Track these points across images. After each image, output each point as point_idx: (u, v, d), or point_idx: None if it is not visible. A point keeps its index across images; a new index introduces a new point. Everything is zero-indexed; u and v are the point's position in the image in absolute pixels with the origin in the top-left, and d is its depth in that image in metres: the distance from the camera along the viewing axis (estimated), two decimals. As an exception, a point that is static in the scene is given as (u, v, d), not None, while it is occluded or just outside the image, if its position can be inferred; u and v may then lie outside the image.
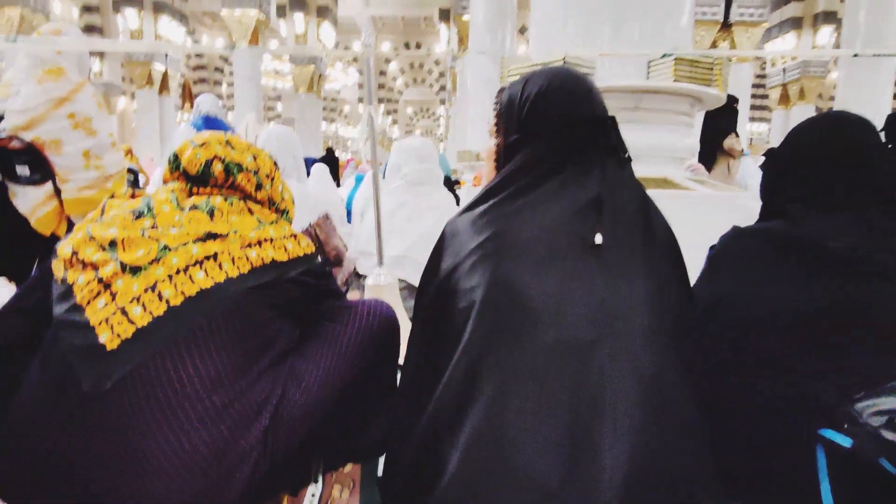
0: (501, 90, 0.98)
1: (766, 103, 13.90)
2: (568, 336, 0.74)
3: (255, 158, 1.02)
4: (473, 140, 7.03)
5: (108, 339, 0.80)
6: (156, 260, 0.84)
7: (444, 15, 11.32)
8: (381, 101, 21.77)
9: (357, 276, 2.41)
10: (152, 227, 0.89)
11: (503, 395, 0.72)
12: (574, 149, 0.88)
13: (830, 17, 10.79)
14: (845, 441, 0.83)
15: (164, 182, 1.03)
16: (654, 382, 0.73)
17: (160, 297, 0.83)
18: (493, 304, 0.77)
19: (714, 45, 9.57)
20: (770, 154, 1.09)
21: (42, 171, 1.89)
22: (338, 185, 5.17)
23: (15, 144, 1.84)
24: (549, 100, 0.90)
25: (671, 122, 2.30)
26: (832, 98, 13.67)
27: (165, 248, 0.86)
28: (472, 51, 7.30)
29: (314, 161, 4.47)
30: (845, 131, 0.98)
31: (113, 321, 0.81)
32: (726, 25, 9.41)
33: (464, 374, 0.76)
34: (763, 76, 13.65)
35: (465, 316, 0.79)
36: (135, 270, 0.84)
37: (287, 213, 1.10)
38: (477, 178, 4.85)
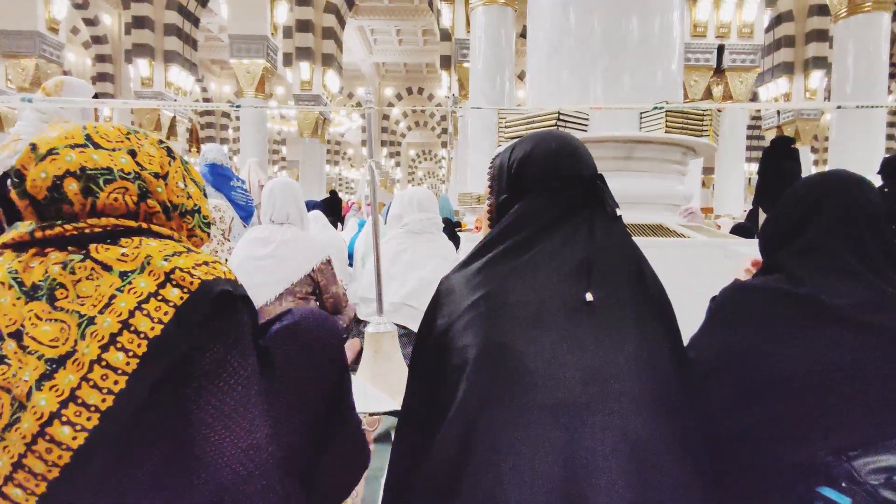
0: (496, 157, 1.03)
1: (763, 144, 14.14)
2: (560, 399, 0.75)
3: (132, 155, 0.74)
4: (474, 183, 7.13)
5: None
6: (9, 425, 0.61)
7: (446, 62, 11.69)
8: (384, 143, 22.21)
9: (357, 322, 2.42)
10: None
11: (496, 460, 0.73)
12: (561, 207, 0.90)
13: (820, 62, 11.11)
14: (844, 500, 0.82)
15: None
16: (647, 445, 0.73)
17: (33, 474, 0.60)
18: (485, 365, 0.79)
19: (708, 90, 9.81)
20: (775, 202, 1.10)
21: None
22: (341, 225, 5.24)
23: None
24: (535, 161, 0.95)
25: (664, 170, 2.35)
26: (826, 139, 13.93)
27: (15, 403, 0.62)
28: (472, 97, 7.49)
29: (314, 204, 4.55)
30: (849, 192, 0.98)
31: None
32: (719, 71, 9.67)
33: (457, 437, 0.76)
34: (758, 118, 13.93)
35: (459, 375, 0.80)
36: None
37: (199, 210, 0.82)
38: (479, 220, 4.91)
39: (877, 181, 2.98)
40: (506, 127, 2.44)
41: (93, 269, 0.67)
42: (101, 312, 0.64)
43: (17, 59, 9.27)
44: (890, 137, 15.98)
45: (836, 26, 7.46)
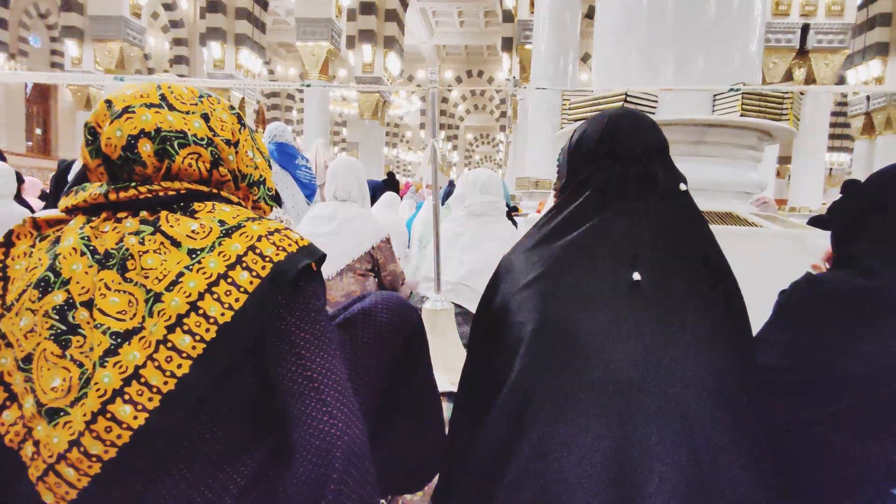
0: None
1: (848, 132, 13.12)
2: (614, 378, 0.74)
3: (206, 119, 0.71)
4: (532, 167, 7.04)
5: (52, 501, 0.61)
6: (76, 399, 0.61)
7: (507, 44, 11.51)
8: (441, 126, 22.24)
9: (420, 299, 2.47)
10: (61, 314, 0.62)
11: (548, 435, 0.74)
12: (619, 185, 0.89)
13: (920, 42, 10.13)
14: (922, 503, 0.78)
15: (82, 157, 0.72)
16: (703, 429, 0.72)
17: (87, 455, 0.59)
18: (541, 341, 0.79)
19: (789, 73, 9.17)
20: (849, 192, 1.04)
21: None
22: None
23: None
24: (589, 139, 0.94)
25: (737, 156, 2.23)
26: (923, 127, 12.74)
27: (84, 376, 0.61)
28: (533, 80, 7.35)
29: (376, 184, 4.64)
30: None
31: (49, 482, 0.61)
32: (802, 53, 9.01)
33: (511, 411, 0.78)
34: (844, 104, 12.92)
35: (514, 351, 0.81)
36: (52, 415, 0.61)
37: (264, 182, 0.81)
38: (541, 205, 4.86)
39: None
40: (569, 109, 2.39)
41: (161, 243, 0.65)
42: (167, 290, 0.62)
43: (104, 42, 9.93)
44: None
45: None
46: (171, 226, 0.66)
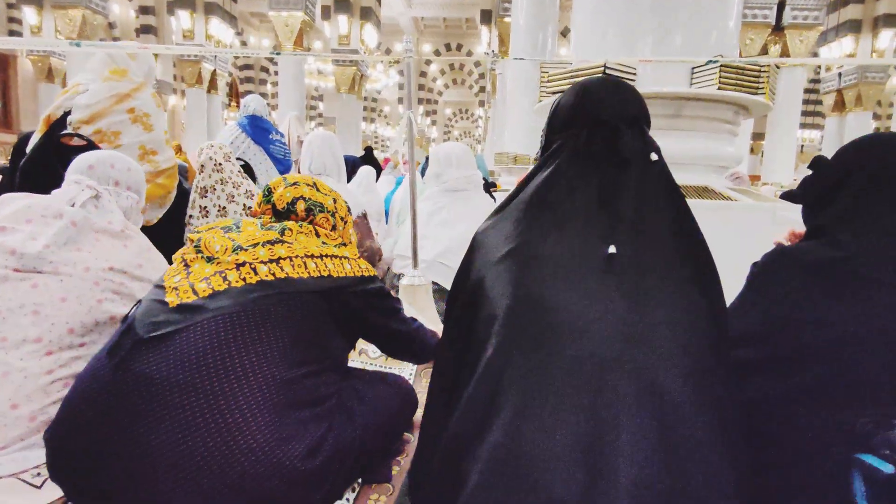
0: None
1: (820, 109, 13.34)
2: (589, 353, 0.74)
3: (335, 202, 1.17)
4: (511, 142, 7.00)
5: (171, 300, 0.93)
6: (234, 251, 1.00)
7: (486, 17, 11.32)
8: (420, 101, 21.93)
9: (396, 276, 2.45)
10: (232, 233, 1.04)
11: (523, 410, 0.73)
12: (586, 153, 0.87)
13: (892, 19, 10.27)
14: (886, 467, 0.80)
15: (255, 210, 1.19)
16: (675, 403, 0.72)
17: (224, 279, 0.95)
18: (516, 316, 0.78)
19: (764, 49, 9.23)
20: (818, 167, 1.05)
21: (99, 166, 2.00)
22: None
23: (76, 141, 1.95)
24: (562, 108, 0.92)
25: (714, 129, 2.24)
26: (891, 105, 13.00)
27: (238, 247, 1.00)
28: (512, 53, 7.26)
29: (354, 160, 4.55)
30: (890, 151, 0.93)
31: (180, 289, 0.95)
32: (778, 29, 9.07)
33: (486, 387, 0.77)
34: (817, 80, 13.09)
35: (489, 326, 0.80)
36: (210, 259, 0.99)
37: (350, 244, 1.23)
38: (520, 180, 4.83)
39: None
40: (548, 81, 2.36)
41: (309, 231, 1.10)
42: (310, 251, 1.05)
43: (64, 9, 9.45)
44: (963, 104, 14.82)
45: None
46: (319, 227, 1.15)
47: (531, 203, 0.87)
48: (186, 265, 1.00)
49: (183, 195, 2.26)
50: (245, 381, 0.87)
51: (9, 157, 2.10)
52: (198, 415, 0.82)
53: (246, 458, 0.82)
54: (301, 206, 1.12)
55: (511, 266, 0.82)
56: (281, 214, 1.13)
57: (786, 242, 1.14)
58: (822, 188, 1.00)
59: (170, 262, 1.08)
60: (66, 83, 10.96)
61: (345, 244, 1.18)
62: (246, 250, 1.00)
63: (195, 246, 1.03)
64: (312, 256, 1.03)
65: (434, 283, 2.06)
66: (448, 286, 2.07)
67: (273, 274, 0.97)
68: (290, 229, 1.07)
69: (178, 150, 4.79)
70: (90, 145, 1.95)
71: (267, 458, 0.84)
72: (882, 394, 0.85)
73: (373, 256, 2.39)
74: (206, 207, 2.26)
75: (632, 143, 0.86)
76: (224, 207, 2.28)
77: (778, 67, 2.27)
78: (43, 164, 1.92)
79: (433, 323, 1.88)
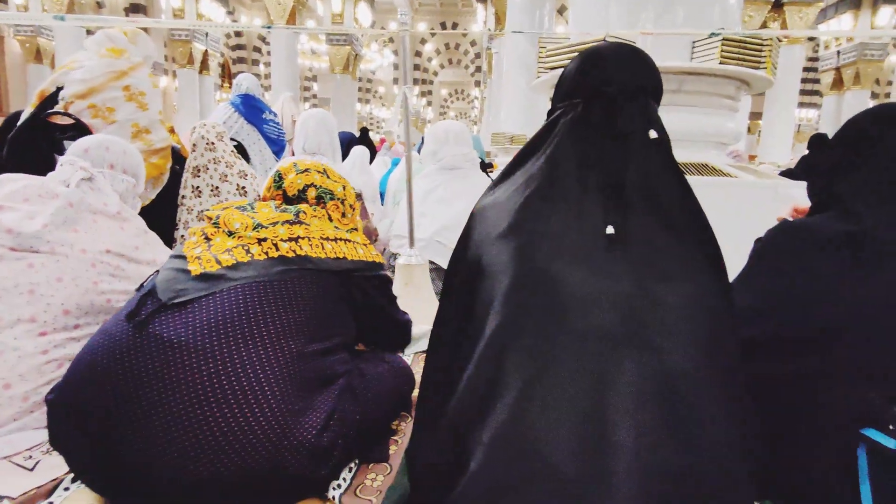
0: None
1: (818, 88, 13.24)
2: (594, 329, 0.72)
3: (344, 189, 1.20)
4: (508, 122, 6.93)
5: (194, 269, 0.93)
6: (254, 228, 1.02)
7: (482, -6, 11.13)
8: (415, 82, 21.67)
9: (392, 256, 2.43)
10: (249, 212, 1.06)
11: (528, 388, 0.71)
12: (582, 125, 0.84)
13: (892, -4, 10.16)
14: (890, 442, 0.80)
15: (265, 195, 1.19)
16: (682, 380, 0.70)
17: (247, 251, 0.97)
18: (519, 292, 0.76)
19: (764, 25, 9.13)
20: (821, 142, 1.02)
21: (87, 143, 1.96)
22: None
23: (62, 119, 1.90)
24: (566, 77, 0.88)
25: (715, 105, 2.21)
26: (890, 83, 12.92)
27: (259, 225, 1.02)
28: (508, 31, 7.15)
29: (350, 136, 4.49)
30: None
31: (202, 258, 0.96)
32: (778, 5, 8.96)
33: (489, 363, 0.75)
34: (815, 59, 12.98)
35: (491, 301, 0.77)
36: (231, 234, 1.01)
37: (357, 229, 1.26)
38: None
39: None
40: (546, 57, 2.31)
41: (322, 215, 1.12)
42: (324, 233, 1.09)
43: (50, -12, 9.23)
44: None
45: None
46: (330, 212, 1.16)
47: (531, 177, 0.84)
48: (207, 238, 1.01)
49: (175, 176, 2.22)
50: (263, 350, 0.87)
51: (-1, 132, 2.06)
52: (214, 381, 0.82)
53: (260, 428, 0.82)
54: (312, 193, 1.14)
55: (512, 242, 0.79)
56: (291, 201, 1.14)
57: (790, 219, 1.12)
58: (837, 157, 0.97)
59: (166, 244, 1.07)
60: (55, 64, 10.76)
61: (355, 229, 1.20)
62: (266, 228, 1.02)
63: (213, 223, 1.04)
64: (328, 239, 1.06)
65: (431, 262, 2.04)
66: (445, 264, 2.05)
67: (294, 251, 0.99)
68: (305, 212, 1.09)
69: (171, 131, 4.72)
70: (77, 123, 1.91)
71: (282, 429, 0.84)
72: (894, 371, 0.84)
73: (369, 236, 2.36)
74: (198, 187, 2.22)
75: (630, 117, 0.82)
76: (217, 187, 2.24)
77: (780, 41, 2.24)
78: (29, 140, 1.88)
79: (430, 302, 1.86)
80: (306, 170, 1.17)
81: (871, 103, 12.75)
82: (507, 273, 0.77)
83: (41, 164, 1.90)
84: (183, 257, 0.97)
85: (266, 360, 0.87)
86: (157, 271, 0.98)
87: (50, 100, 1.90)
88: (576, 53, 2.13)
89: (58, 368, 1.08)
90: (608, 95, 0.83)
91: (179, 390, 0.81)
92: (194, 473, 0.80)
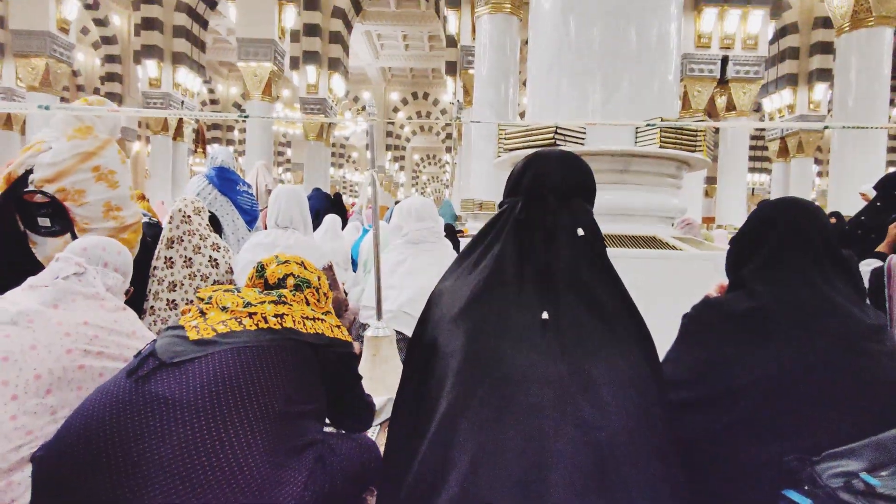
0: None
1: (767, 154, 14.16)
2: (534, 406, 0.80)
3: (319, 279, 1.33)
4: (477, 189, 7.20)
5: (191, 335, 1.06)
6: (244, 306, 1.15)
7: (451, 69, 11.77)
8: (388, 147, 22.30)
9: (361, 327, 2.49)
10: (238, 294, 1.20)
11: (477, 462, 0.78)
12: (525, 220, 0.96)
13: (825, 74, 11.16)
14: (805, 501, 0.88)
15: (247, 283, 1.32)
16: (614, 451, 0.78)
17: (239, 323, 1.11)
18: (469, 369, 0.85)
19: (712, 100, 9.85)
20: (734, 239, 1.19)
21: (62, 222, 2.00)
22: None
23: (38, 198, 1.95)
24: (511, 178, 1.02)
25: (659, 183, 2.41)
26: (829, 151, 13.91)
27: (248, 303, 1.16)
28: (476, 103, 7.55)
29: (321, 205, 4.60)
30: (800, 210, 1.08)
31: (200, 327, 1.09)
32: (723, 82, 9.73)
33: (439, 448, 0.82)
34: (762, 129, 13.96)
35: (442, 385, 0.86)
36: (224, 308, 1.14)
37: (331, 313, 1.40)
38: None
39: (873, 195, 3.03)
40: (505, 139, 2.51)
41: (301, 300, 1.23)
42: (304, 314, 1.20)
43: (27, 58, 9.38)
44: (892, 150, 15.99)
45: (839, 40, 7.51)
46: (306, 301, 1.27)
47: (481, 267, 0.95)
48: (202, 313, 1.15)
49: (145, 247, 2.26)
50: (251, 408, 0.98)
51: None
52: (206, 433, 0.91)
53: (244, 477, 0.91)
54: (291, 281, 1.27)
55: (461, 326, 0.89)
56: (272, 288, 1.27)
57: (715, 294, 1.25)
58: (742, 244, 1.13)
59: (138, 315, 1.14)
60: (25, 131, 10.73)
61: (329, 312, 1.32)
62: (255, 305, 1.15)
63: (206, 302, 1.18)
64: (308, 318, 1.19)
65: (399, 332, 2.10)
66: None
67: (280, 324, 1.13)
68: (286, 297, 1.22)
69: (142, 198, 4.77)
70: (53, 202, 1.96)
71: (262, 493, 0.91)
72: (803, 428, 0.94)
73: (339, 307, 2.42)
74: (171, 258, 2.27)
75: (559, 216, 0.95)
76: (190, 258, 2.29)
77: (716, 131, 2.47)
78: (3, 221, 1.91)
79: (396, 372, 1.92)
80: (286, 261, 1.31)
81: (815, 168, 13.66)
82: (458, 354, 0.86)
83: (18, 243, 1.94)
84: (181, 327, 1.10)
85: (252, 417, 0.97)
86: (155, 340, 1.09)
87: (22, 181, 1.94)
88: (530, 138, 2.31)
89: (25, 435, 1.09)
90: (541, 196, 0.96)
91: (171, 441, 0.89)
92: None
